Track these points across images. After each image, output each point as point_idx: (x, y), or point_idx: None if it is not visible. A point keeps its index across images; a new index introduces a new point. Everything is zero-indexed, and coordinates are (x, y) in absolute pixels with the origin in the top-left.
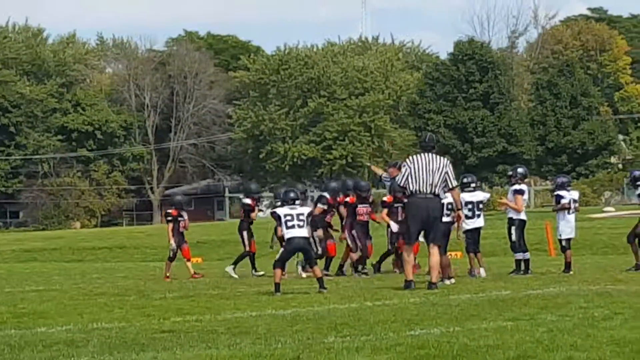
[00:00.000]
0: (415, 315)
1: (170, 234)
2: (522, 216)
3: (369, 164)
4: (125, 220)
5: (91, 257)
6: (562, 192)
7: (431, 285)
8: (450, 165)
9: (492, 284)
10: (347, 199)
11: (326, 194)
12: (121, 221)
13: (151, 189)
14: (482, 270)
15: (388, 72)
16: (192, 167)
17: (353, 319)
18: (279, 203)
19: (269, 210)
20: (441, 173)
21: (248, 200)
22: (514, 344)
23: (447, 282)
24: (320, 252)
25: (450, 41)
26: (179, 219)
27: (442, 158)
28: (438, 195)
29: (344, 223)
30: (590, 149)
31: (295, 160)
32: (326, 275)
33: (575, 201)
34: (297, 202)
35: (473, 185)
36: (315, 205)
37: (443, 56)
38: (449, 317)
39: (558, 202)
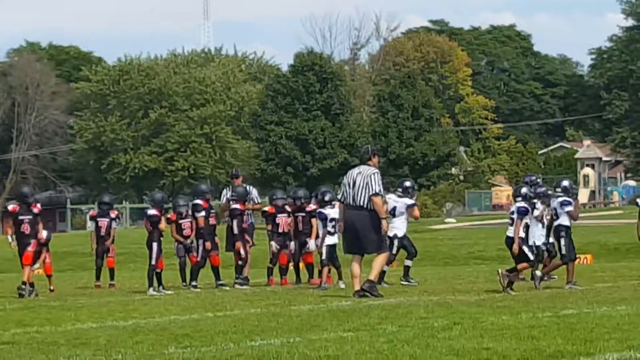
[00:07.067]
0: (256, 326)
1: (93, 239)
2: None
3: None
4: None
5: None
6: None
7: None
8: (375, 174)
9: (333, 294)
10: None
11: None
12: None
13: None
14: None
15: (230, 83)
16: (34, 178)
17: (194, 330)
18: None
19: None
20: (363, 183)
21: (153, 211)
22: (354, 354)
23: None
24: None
25: (292, 53)
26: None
27: (369, 168)
28: (362, 207)
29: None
30: (431, 160)
31: (137, 171)
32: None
33: None
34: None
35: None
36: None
37: (285, 68)
38: (290, 327)
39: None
